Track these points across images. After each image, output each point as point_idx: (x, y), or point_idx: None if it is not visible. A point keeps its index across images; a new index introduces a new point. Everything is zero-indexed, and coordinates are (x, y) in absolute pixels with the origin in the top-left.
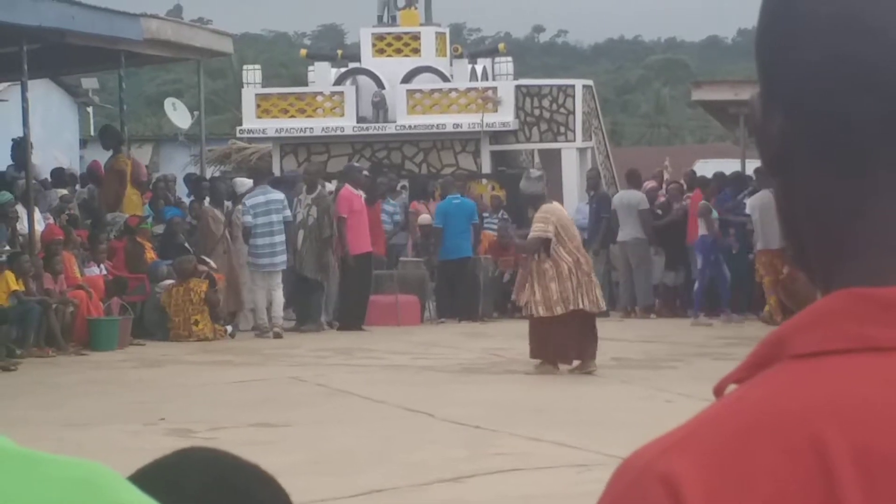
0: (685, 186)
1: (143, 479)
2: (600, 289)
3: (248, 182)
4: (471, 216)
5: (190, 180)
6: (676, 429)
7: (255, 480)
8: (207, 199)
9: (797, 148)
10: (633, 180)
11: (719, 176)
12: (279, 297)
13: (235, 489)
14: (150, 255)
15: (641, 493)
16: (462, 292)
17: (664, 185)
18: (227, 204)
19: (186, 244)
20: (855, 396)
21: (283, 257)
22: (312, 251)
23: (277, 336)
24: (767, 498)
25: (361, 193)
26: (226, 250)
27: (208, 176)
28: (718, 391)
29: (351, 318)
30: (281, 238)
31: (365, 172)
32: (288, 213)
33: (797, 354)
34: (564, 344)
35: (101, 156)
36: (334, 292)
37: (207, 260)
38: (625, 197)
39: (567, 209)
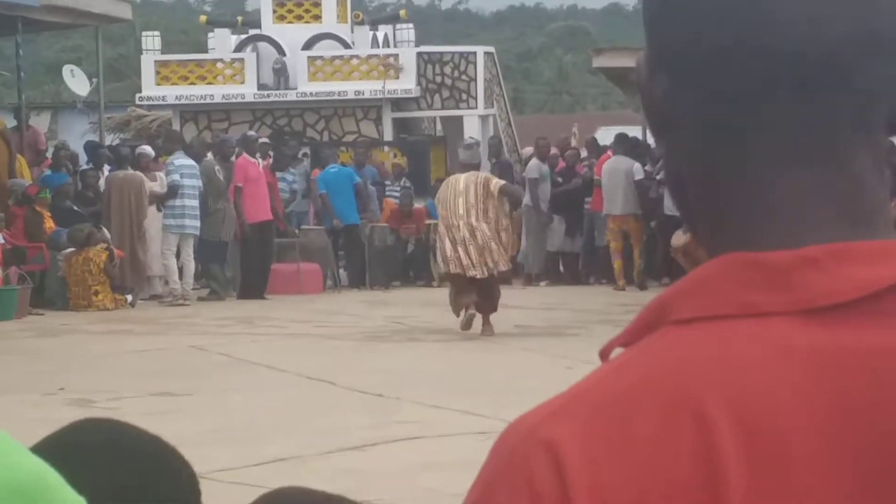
0: (586, 152)
1: (44, 451)
2: (481, 255)
3: (150, 150)
4: (352, 180)
5: (89, 148)
6: (560, 395)
7: (158, 451)
8: (107, 167)
9: (682, 112)
10: (537, 149)
11: (621, 139)
12: (191, 266)
13: (139, 460)
14: (50, 223)
15: (523, 459)
16: (353, 259)
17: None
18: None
19: (76, 208)
20: (735, 362)
21: (198, 222)
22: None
23: (185, 304)
24: (645, 463)
25: (258, 161)
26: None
27: (107, 143)
28: (604, 355)
29: (251, 286)
30: (197, 203)
31: (264, 140)
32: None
33: (680, 320)
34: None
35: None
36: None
37: (104, 230)
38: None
39: None
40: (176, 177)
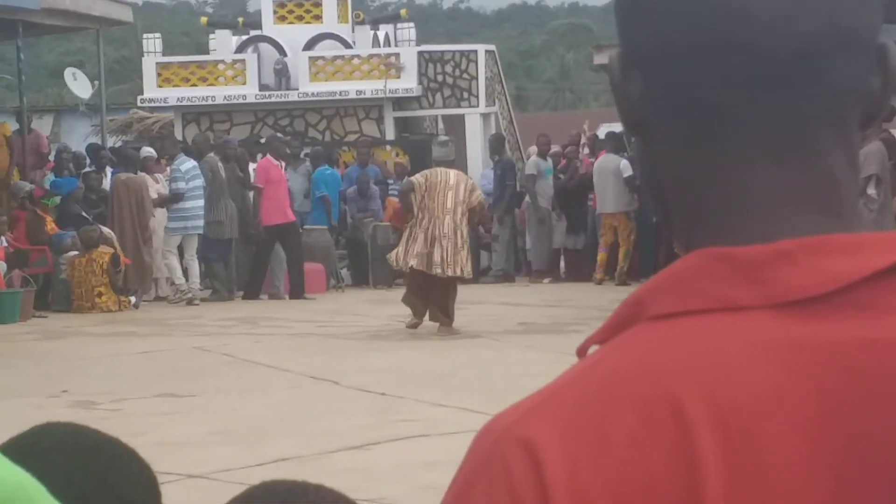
0: (587, 150)
1: (3, 454)
2: (456, 254)
3: (153, 151)
4: (338, 185)
5: (90, 150)
6: (537, 392)
7: (116, 453)
8: (109, 169)
9: (656, 109)
10: (538, 146)
11: (611, 136)
12: (195, 266)
13: (97, 462)
14: (51, 226)
15: (500, 457)
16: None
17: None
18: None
19: (84, 213)
20: (711, 356)
21: (202, 221)
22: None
23: (193, 304)
24: (625, 462)
25: (281, 164)
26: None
27: (109, 146)
28: (581, 352)
29: (254, 288)
30: (202, 202)
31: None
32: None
33: (656, 315)
34: (417, 299)
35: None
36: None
37: (107, 231)
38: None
39: (472, 175)
40: (182, 184)
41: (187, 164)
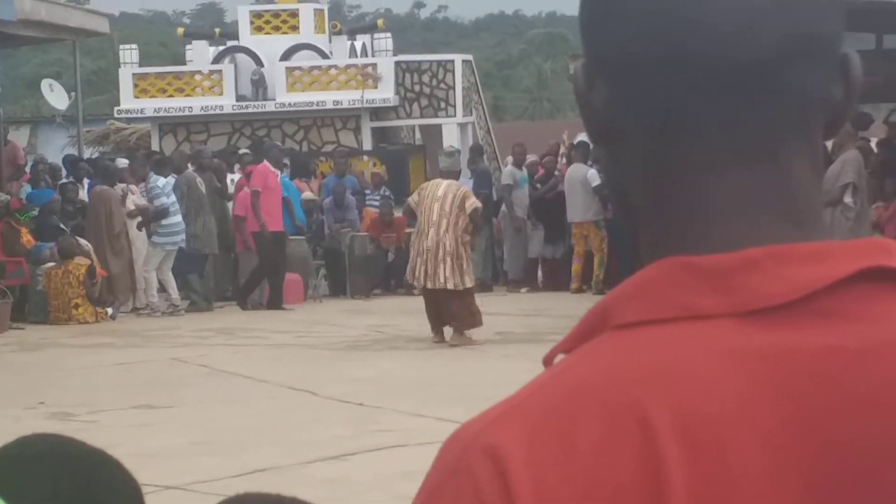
0: (564, 160)
1: None
2: (436, 267)
3: (127, 162)
4: (296, 193)
5: (68, 162)
6: (503, 401)
7: (100, 463)
8: (86, 180)
9: (621, 119)
10: (513, 156)
11: (579, 146)
12: (171, 277)
13: (81, 472)
14: (27, 237)
15: (467, 466)
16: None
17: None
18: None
19: (62, 225)
20: (676, 365)
21: (184, 235)
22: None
23: (177, 314)
24: (590, 470)
25: (278, 172)
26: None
27: (86, 158)
28: (547, 361)
29: (248, 294)
30: (180, 217)
31: (245, 151)
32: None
33: (622, 324)
34: (427, 310)
35: None
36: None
37: (84, 243)
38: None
39: None
40: (164, 199)
41: (161, 180)
